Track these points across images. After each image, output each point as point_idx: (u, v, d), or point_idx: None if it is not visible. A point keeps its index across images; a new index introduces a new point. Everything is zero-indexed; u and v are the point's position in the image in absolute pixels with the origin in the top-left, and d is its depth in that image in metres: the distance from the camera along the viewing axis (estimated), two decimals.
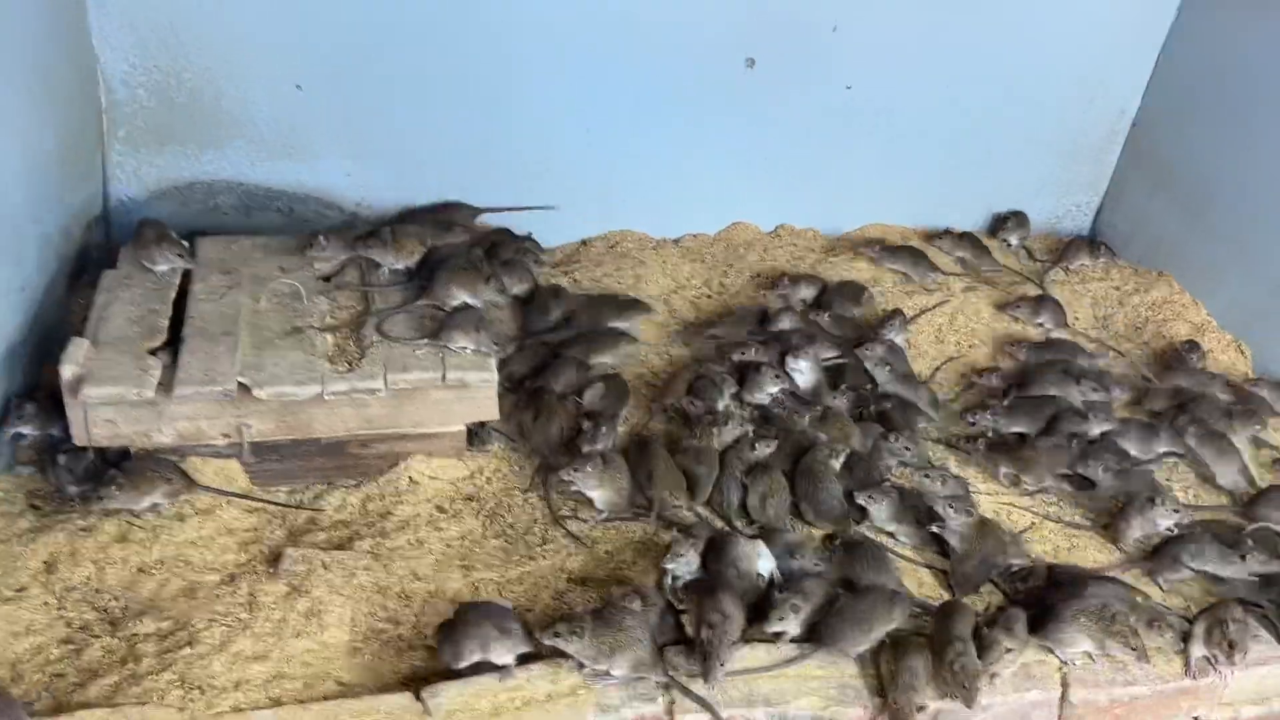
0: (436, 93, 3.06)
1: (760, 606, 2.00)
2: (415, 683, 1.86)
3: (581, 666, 1.84)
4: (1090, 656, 1.98)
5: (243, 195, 3.04)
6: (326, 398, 2.22)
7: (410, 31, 2.94)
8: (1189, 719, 2.05)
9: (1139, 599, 2.13)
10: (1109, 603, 2.00)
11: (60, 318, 2.50)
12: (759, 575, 2.05)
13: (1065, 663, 1.98)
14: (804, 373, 2.71)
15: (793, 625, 1.96)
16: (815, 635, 1.97)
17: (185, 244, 2.57)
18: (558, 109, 3.18)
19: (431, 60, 3.00)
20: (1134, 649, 1.94)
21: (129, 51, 2.81)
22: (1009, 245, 3.63)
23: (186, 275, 2.53)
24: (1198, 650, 2.02)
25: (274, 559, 2.11)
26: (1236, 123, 3.20)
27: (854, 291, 3.17)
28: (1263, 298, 3.13)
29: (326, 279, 2.60)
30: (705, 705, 1.83)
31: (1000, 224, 3.66)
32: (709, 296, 3.23)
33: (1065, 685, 1.95)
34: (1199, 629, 2.03)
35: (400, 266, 2.65)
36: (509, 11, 2.97)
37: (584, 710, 1.79)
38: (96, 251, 2.80)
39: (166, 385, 2.16)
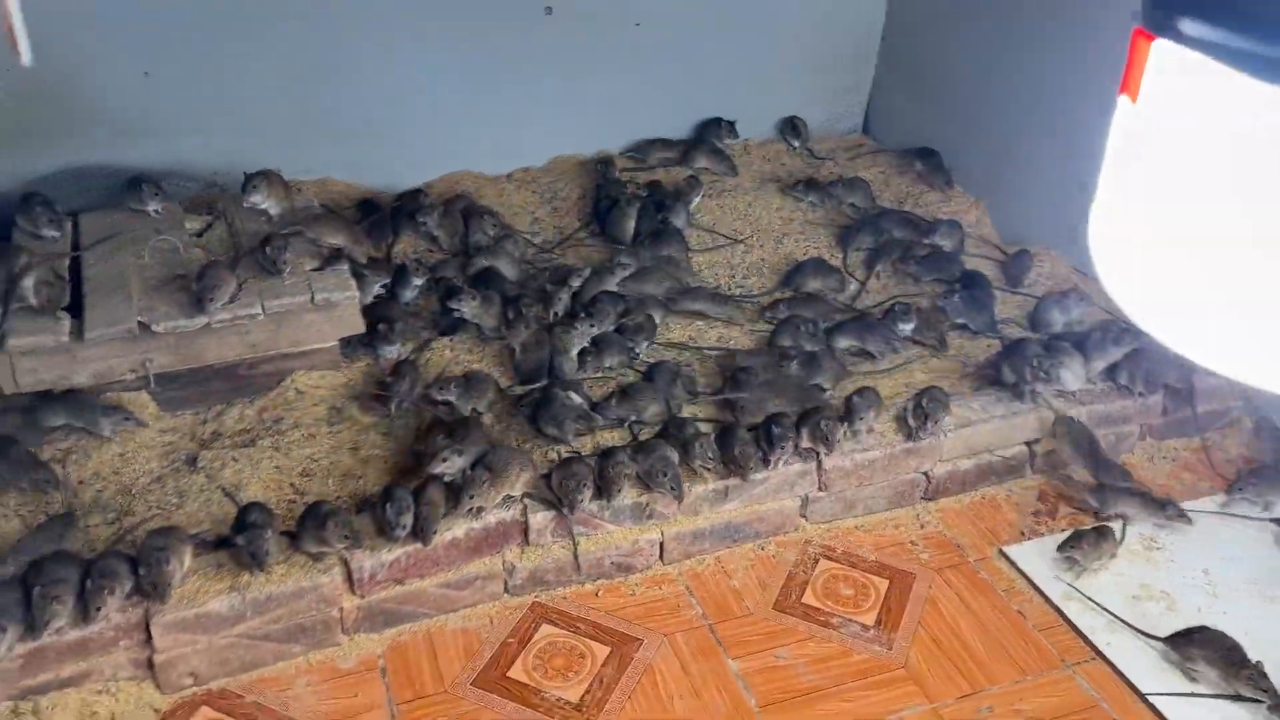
0: (273, 68, 3.46)
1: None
2: None
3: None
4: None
5: (109, 175, 3.39)
6: (214, 326, 2.65)
7: (243, 15, 3.34)
8: (919, 474, 2.69)
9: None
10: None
11: None
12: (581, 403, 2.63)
13: None
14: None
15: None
16: None
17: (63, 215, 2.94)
18: (386, 71, 3.62)
19: (265, 39, 3.40)
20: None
21: None
22: (794, 148, 4.24)
23: (75, 244, 2.90)
24: (911, 421, 2.60)
25: (190, 461, 2.56)
26: (961, 25, 3.85)
27: None
28: (993, 164, 3.81)
29: (198, 234, 3.01)
30: (552, 504, 2.38)
31: (792, 130, 4.27)
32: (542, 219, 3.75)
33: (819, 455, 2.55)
34: (908, 405, 2.61)
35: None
36: None
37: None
38: None
39: (77, 333, 2.56)
